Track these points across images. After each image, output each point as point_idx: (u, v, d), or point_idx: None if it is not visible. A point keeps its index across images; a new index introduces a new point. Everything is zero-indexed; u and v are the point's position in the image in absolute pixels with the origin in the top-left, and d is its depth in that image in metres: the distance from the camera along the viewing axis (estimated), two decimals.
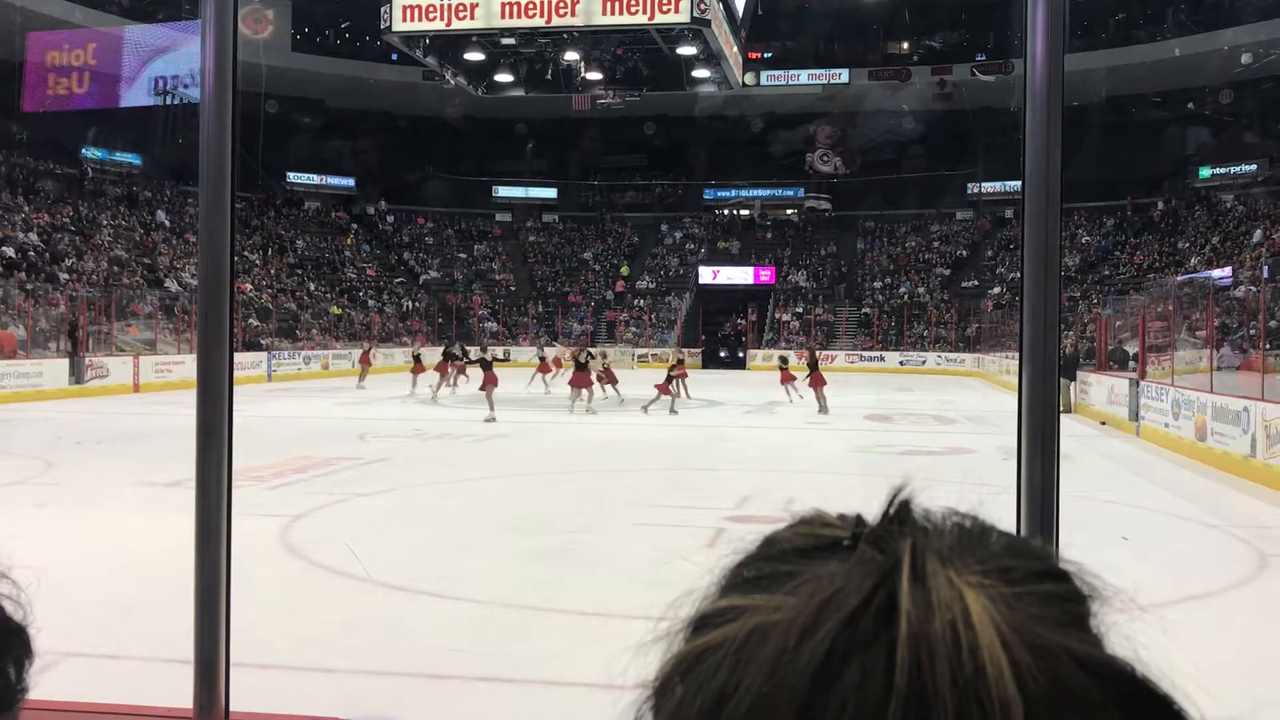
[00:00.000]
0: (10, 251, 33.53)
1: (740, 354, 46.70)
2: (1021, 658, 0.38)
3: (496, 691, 5.41)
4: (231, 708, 1.87)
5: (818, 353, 26.35)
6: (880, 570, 0.41)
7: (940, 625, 0.39)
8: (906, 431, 18.80)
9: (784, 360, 26.37)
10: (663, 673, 0.44)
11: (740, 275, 52.50)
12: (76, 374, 26.20)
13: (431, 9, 27.89)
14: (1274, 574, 8.12)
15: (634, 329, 49.91)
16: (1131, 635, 0.42)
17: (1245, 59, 42.12)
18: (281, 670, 5.38)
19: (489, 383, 20.25)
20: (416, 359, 27.64)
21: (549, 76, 32.52)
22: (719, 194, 57.72)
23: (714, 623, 0.43)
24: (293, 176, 52.72)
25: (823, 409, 21.35)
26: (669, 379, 22.01)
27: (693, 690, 0.42)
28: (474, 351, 24.50)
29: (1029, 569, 0.43)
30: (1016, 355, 1.71)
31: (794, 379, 24.16)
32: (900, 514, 0.45)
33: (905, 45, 52.54)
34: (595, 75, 32.04)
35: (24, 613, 0.66)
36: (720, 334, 47.98)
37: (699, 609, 0.45)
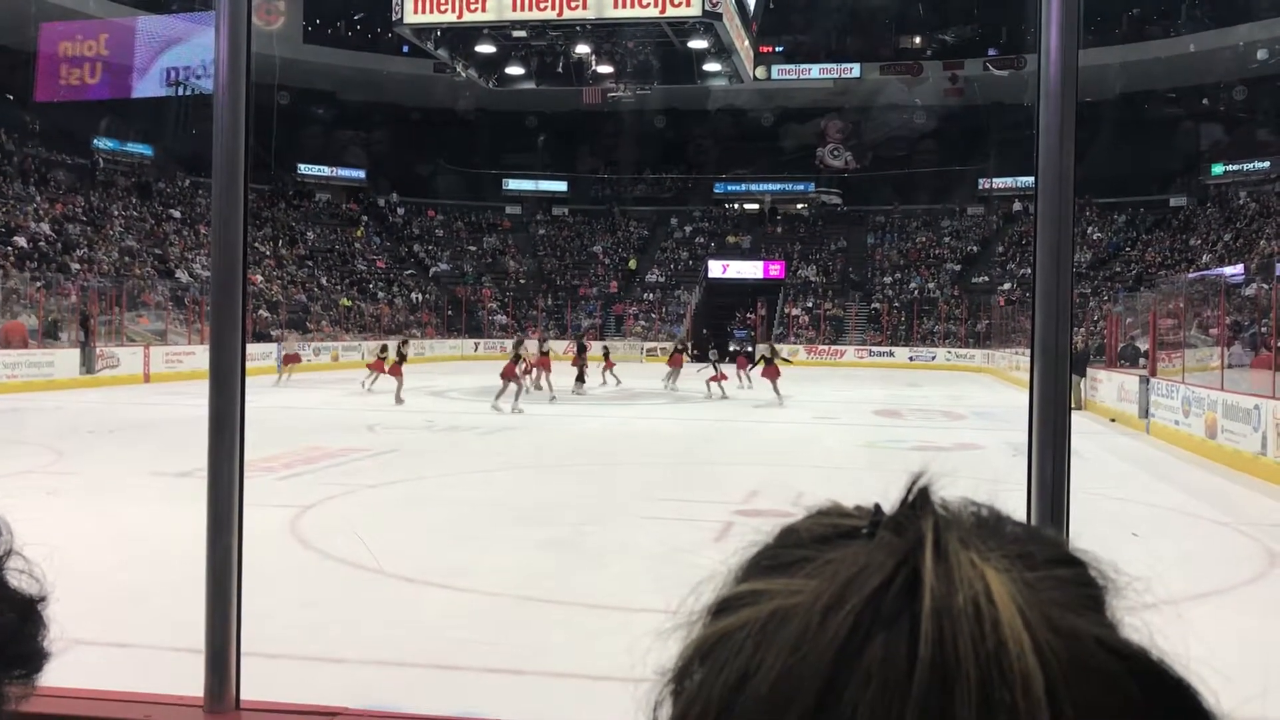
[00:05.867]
0: (22, 241, 33.66)
1: (750, 348, 46.70)
2: (1042, 634, 0.39)
3: (504, 682, 5.42)
4: (242, 696, 1.88)
5: (775, 347, 28.02)
6: (902, 550, 0.42)
7: (963, 600, 0.39)
8: (916, 427, 18.77)
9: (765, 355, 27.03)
10: (683, 657, 0.44)
11: (750, 269, 52.46)
12: (88, 364, 26.30)
13: (443, 1, 27.89)
14: None
15: (643, 322, 49.91)
16: (1147, 622, 0.43)
17: (1260, 55, 41.93)
18: (292, 660, 5.40)
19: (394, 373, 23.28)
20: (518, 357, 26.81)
21: (560, 69, 32.50)
22: (729, 188, 57.70)
23: (734, 607, 0.43)
24: (304, 168, 52.83)
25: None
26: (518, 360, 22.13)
27: (714, 672, 0.42)
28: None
29: (1046, 555, 0.43)
30: (1027, 351, 1.70)
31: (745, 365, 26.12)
32: (919, 501, 0.46)
33: (918, 40, 52.40)
34: (606, 68, 32.02)
35: (39, 585, 0.71)
36: (728, 327, 47.93)
37: (718, 595, 0.45)
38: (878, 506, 0.46)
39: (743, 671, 0.41)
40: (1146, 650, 0.42)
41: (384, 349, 25.66)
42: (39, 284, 29.95)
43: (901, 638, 0.39)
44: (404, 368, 23.40)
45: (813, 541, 0.45)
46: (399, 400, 21.59)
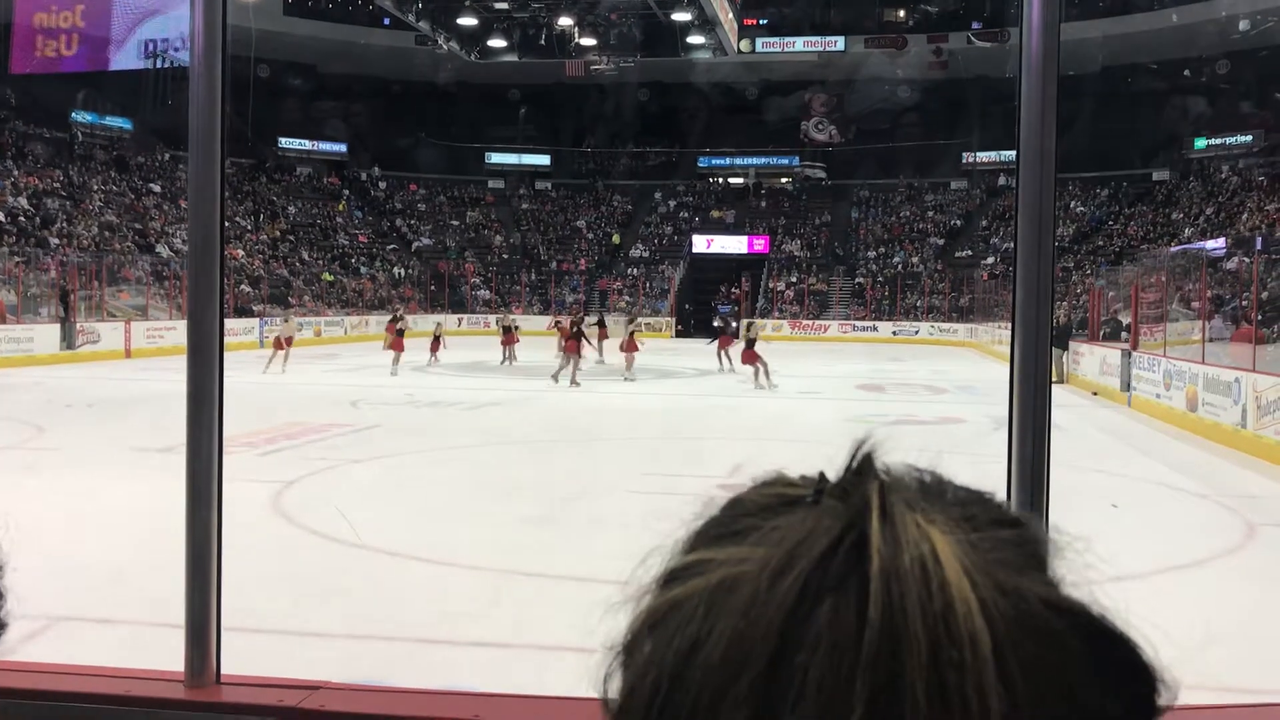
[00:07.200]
0: (0, 216, 33.34)
1: (734, 323, 46.69)
2: (988, 593, 0.40)
3: (487, 656, 5.44)
4: (222, 671, 1.88)
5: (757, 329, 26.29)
6: (848, 514, 0.42)
7: (909, 561, 0.40)
8: (899, 401, 18.84)
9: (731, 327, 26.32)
10: (632, 628, 0.44)
11: (734, 244, 52.32)
12: (68, 339, 26.13)
13: None
14: (1261, 543, 8.18)
15: (627, 298, 49.84)
16: (1087, 578, 0.44)
17: (1243, 26, 41.89)
18: (273, 634, 5.40)
19: (395, 347, 23.69)
20: (507, 330, 26.69)
21: (542, 42, 32.32)
22: (713, 162, 57.44)
23: (682, 577, 0.43)
24: (284, 142, 52.39)
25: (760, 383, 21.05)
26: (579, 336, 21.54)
27: (664, 641, 0.42)
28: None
29: (989, 516, 0.44)
30: (1009, 325, 1.71)
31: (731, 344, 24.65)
32: (863, 467, 0.46)
33: (902, 13, 52.17)
34: (589, 41, 31.86)
35: None
36: (713, 302, 47.88)
37: (666, 566, 0.45)
38: (821, 474, 0.46)
39: (693, 639, 0.41)
40: (1088, 606, 0.42)
41: (396, 318, 25.38)
42: (18, 259, 29.68)
43: (850, 600, 0.39)
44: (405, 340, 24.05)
45: (759, 511, 0.45)
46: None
